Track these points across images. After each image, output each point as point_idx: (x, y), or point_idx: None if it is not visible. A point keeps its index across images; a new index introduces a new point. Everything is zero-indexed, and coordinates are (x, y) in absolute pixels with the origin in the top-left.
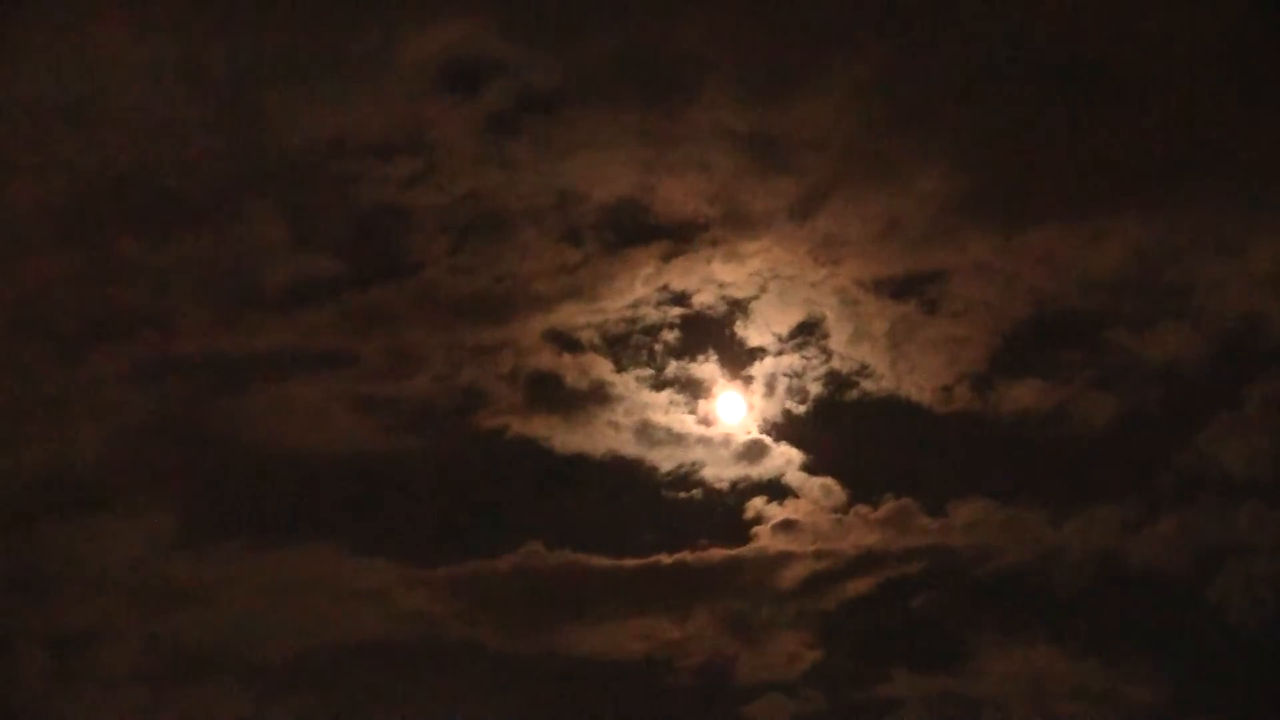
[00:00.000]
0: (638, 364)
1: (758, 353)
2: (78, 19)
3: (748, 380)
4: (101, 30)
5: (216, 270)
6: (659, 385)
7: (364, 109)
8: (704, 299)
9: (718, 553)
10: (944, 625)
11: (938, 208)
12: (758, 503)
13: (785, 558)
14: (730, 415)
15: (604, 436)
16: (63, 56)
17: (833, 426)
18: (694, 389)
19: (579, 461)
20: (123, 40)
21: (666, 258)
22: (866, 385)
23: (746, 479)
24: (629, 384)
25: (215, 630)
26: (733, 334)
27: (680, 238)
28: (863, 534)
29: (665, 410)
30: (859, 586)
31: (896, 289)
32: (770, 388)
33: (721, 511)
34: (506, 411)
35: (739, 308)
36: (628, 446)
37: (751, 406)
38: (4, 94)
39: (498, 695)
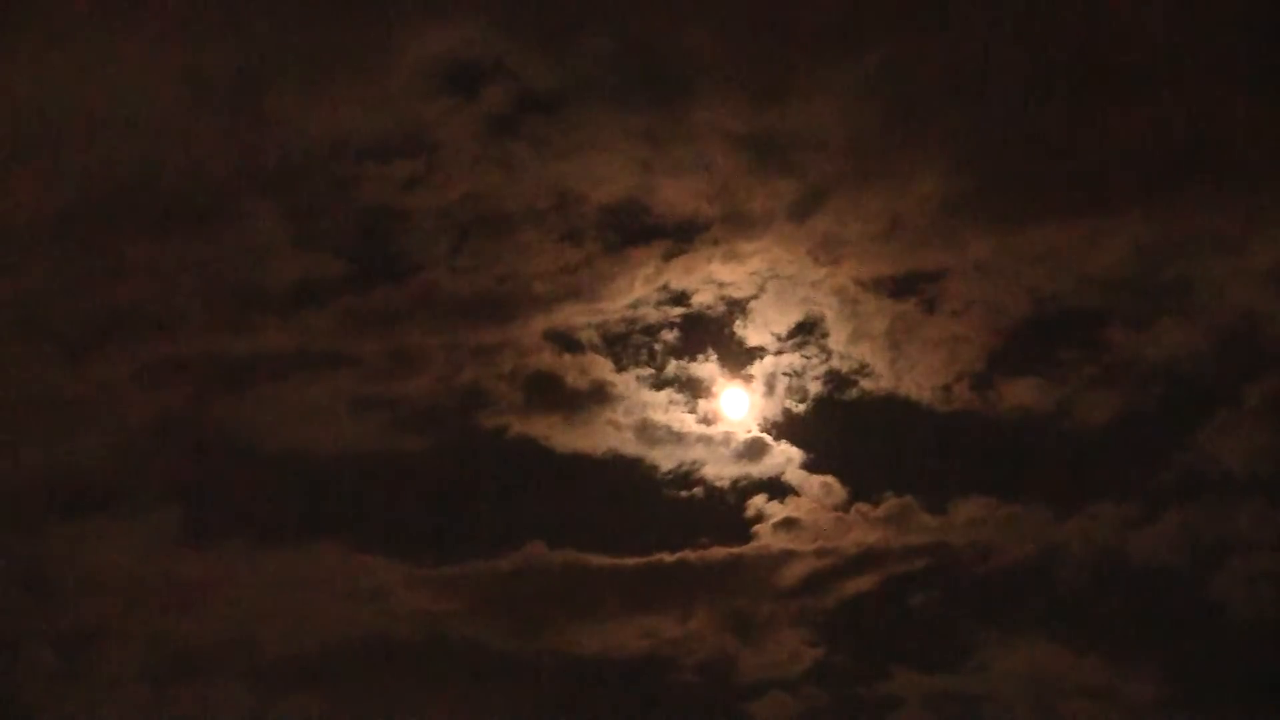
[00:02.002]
0: (638, 363)
1: (757, 352)
2: (80, 23)
3: (748, 379)
4: (104, 34)
5: (219, 271)
6: (659, 385)
7: (365, 110)
8: (704, 299)
9: (719, 551)
10: (945, 623)
11: (937, 207)
12: (758, 501)
13: (786, 556)
14: (730, 414)
15: (604, 436)
16: (65, 60)
17: (833, 425)
18: (694, 388)
19: (579, 461)
20: (125, 43)
21: (666, 257)
22: (866, 384)
23: (747, 477)
24: (629, 383)
25: (218, 629)
26: (732, 333)
27: (680, 238)
28: (864, 532)
29: (665, 409)
30: (860, 584)
31: (896, 288)
32: (770, 387)
33: (722, 510)
34: (507, 411)
35: (739, 307)
36: (628, 445)
37: (752, 405)
38: (6, 96)
39: (500, 694)
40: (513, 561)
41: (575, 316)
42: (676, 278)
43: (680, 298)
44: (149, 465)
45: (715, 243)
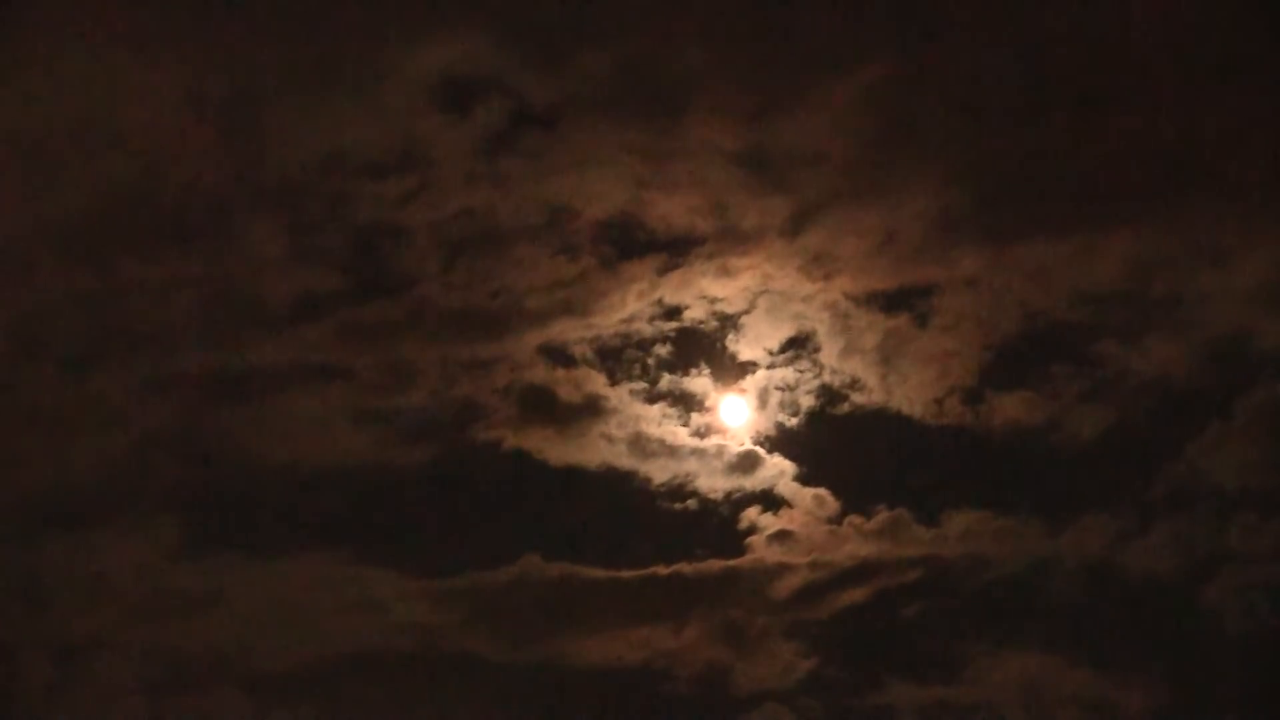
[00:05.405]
0: (631, 378)
1: (750, 366)
2: (79, 41)
3: (740, 393)
4: (103, 54)
5: (217, 286)
6: (652, 398)
7: (361, 127)
8: (696, 313)
9: (714, 563)
10: (938, 634)
11: (928, 223)
12: (752, 513)
13: (780, 568)
14: (723, 427)
15: (598, 449)
16: (64, 77)
17: (825, 439)
18: (687, 402)
19: (574, 474)
20: (124, 63)
21: (660, 273)
22: (858, 398)
23: (740, 490)
24: (622, 397)
25: (215, 640)
26: (725, 348)
27: (674, 253)
28: (857, 544)
29: (659, 423)
30: (853, 596)
31: (888, 303)
32: (763, 400)
33: (716, 522)
34: (501, 425)
35: (731, 322)
36: (622, 459)
37: (744, 419)
38: (7, 115)
39: (496, 705)
40: (509, 573)
41: (569, 331)
42: (670, 293)
43: (673, 312)
44: (148, 478)
45: (709, 258)
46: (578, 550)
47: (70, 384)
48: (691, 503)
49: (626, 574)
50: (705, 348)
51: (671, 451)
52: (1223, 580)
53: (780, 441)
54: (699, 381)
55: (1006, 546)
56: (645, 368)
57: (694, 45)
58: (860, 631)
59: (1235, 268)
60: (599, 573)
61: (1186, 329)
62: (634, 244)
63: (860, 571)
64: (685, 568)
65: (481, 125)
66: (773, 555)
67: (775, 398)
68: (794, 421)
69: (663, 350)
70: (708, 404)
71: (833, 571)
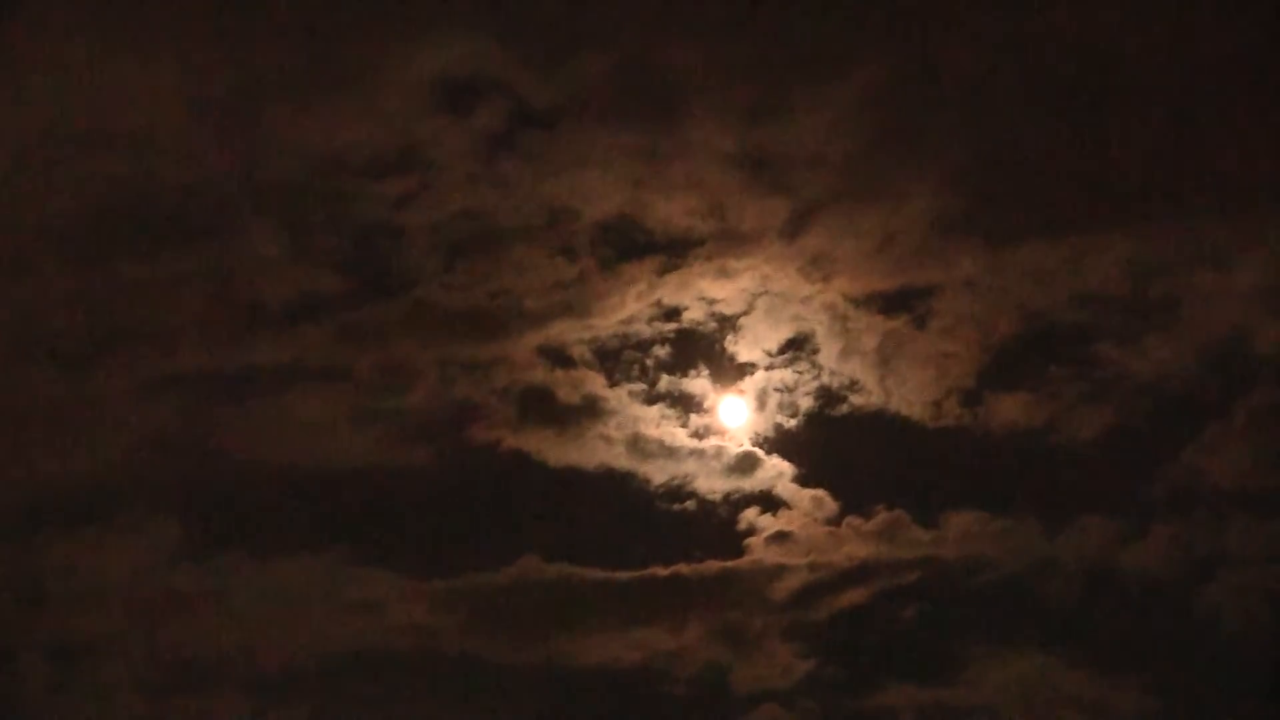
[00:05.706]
0: (630, 379)
1: (748, 367)
2: (79, 41)
3: (739, 394)
4: (103, 53)
5: (216, 286)
6: (651, 400)
7: (360, 128)
8: (695, 315)
9: (712, 565)
10: (937, 636)
11: (927, 224)
12: (750, 514)
13: (779, 569)
14: (722, 428)
15: (596, 450)
16: (64, 77)
17: (824, 440)
18: (686, 403)
19: (572, 475)
20: (123, 61)
21: (659, 274)
22: (856, 400)
23: (739, 491)
24: (621, 398)
25: (215, 641)
26: (723, 349)
27: (673, 254)
28: (855, 546)
29: (657, 424)
30: (852, 598)
31: (886, 305)
32: (761, 402)
33: (715, 524)
34: (500, 426)
35: (730, 323)
36: (620, 460)
37: (743, 420)
38: (7, 116)
39: (495, 706)
40: (508, 575)
41: (568, 332)
42: (669, 294)
43: (672, 313)
44: (147, 478)
45: (707, 259)
46: (576, 551)
47: (70, 384)
48: (690, 504)
49: (625, 575)
50: (704, 349)
51: (670, 453)
52: (1222, 581)
53: (779, 443)
54: (698, 383)
55: (1005, 547)
56: (644, 369)
57: (693, 47)
58: (859, 633)
59: (1235, 268)
60: (598, 574)
61: (1186, 330)
62: (633, 245)
63: (859, 572)
64: (684, 569)
65: (481, 126)
66: (771, 556)
67: (774, 399)
68: (793, 423)
69: (661, 351)
70: (706, 405)
71: (831, 572)
